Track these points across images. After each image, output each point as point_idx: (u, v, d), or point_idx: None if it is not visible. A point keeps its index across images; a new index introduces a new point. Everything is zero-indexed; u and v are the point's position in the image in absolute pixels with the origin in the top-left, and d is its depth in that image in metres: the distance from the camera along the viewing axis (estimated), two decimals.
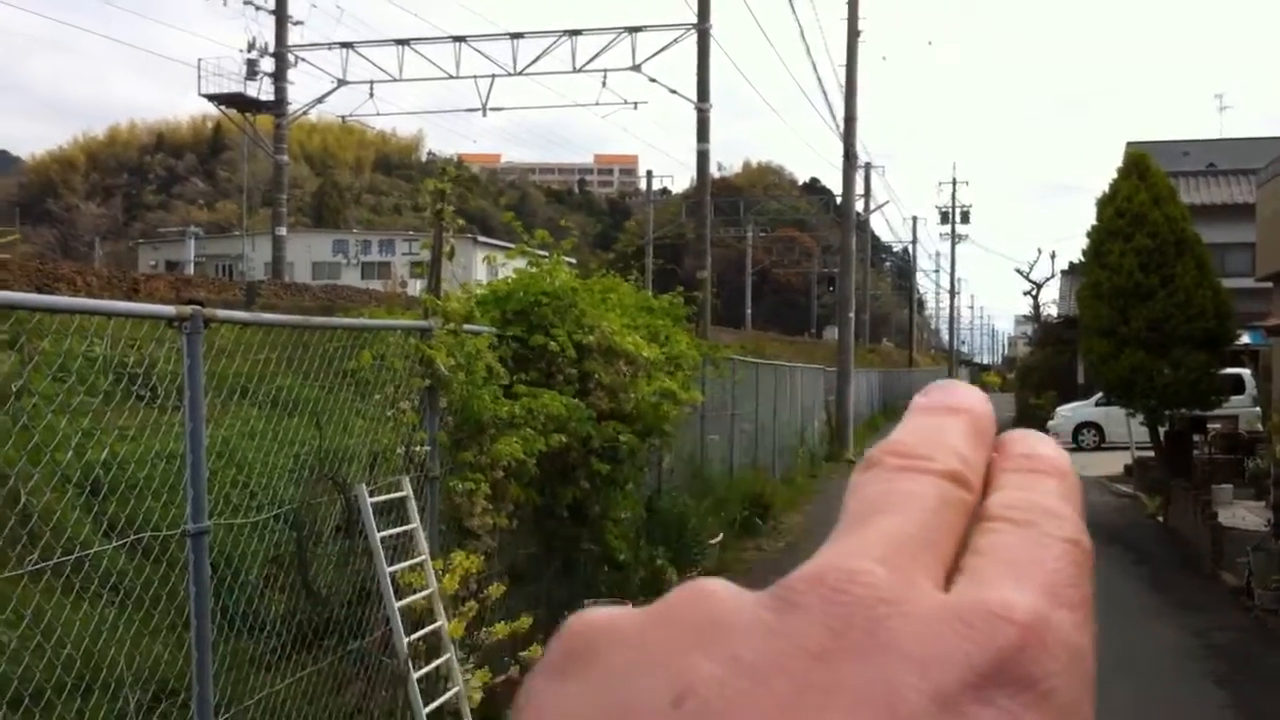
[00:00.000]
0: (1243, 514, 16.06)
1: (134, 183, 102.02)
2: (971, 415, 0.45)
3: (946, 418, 0.45)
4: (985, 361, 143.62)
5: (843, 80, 31.51)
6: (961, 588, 0.39)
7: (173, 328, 4.66)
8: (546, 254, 9.28)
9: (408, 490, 6.36)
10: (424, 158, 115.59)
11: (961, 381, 0.48)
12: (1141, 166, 19.32)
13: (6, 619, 4.73)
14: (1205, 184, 37.96)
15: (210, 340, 5.45)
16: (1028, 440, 0.46)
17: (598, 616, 0.41)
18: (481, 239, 50.60)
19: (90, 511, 6.65)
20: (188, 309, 4.62)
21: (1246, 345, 20.82)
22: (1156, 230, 18.35)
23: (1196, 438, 20.29)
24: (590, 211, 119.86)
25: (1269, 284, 21.49)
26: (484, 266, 9.90)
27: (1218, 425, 21.39)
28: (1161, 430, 19.35)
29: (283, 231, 35.95)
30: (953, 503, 0.42)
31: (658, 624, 0.39)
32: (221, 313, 4.97)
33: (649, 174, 73.05)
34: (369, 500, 5.97)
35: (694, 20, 28.57)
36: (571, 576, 9.42)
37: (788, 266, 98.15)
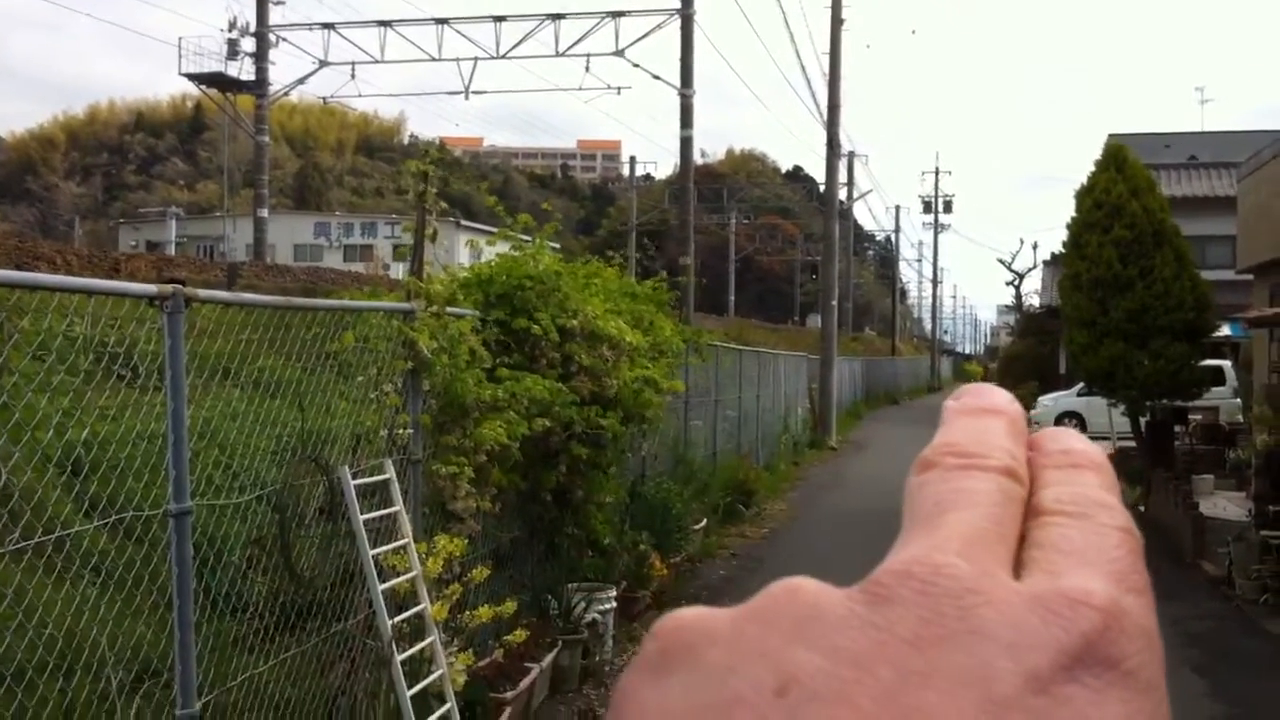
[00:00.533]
0: (1223, 504, 16.16)
1: (114, 162, 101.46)
2: (1008, 416, 0.48)
3: (988, 419, 0.47)
4: (967, 351, 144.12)
5: (826, 68, 31.52)
6: (1036, 578, 0.40)
7: (154, 306, 4.63)
8: (530, 238, 9.26)
9: (390, 473, 6.34)
10: (406, 140, 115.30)
11: (991, 386, 0.51)
12: (1120, 158, 19.36)
13: None
14: (1186, 176, 38.12)
15: (191, 321, 5.42)
16: (1062, 437, 0.48)
17: (691, 615, 0.42)
18: (464, 223, 50.53)
19: (71, 491, 6.61)
20: (169, 288, 4.59)
21: (1227, 337, 20.95)
22: (1135, 222, 18.40)
23: (1178, 428, 20.39)
24: (573, 196, 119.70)
25: (1249, 276, 21.61)
26: (467, 250, 9.87)
27: (1199, 416, 21.50)
28: (1142, 421, 19.44)
29: (264, 213, 35.78)
30: (1013, 497, 0.44)
31: (752, 620, 0.40)
32: (203, 292, 4.94)
33: (632, 159, 72.95)
34: (352, 483, 5.94)
35: (678, 6, 28.53)
36: (555, 560, 9.41)
37: (771, 254, 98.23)
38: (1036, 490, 0.45)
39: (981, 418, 0.47)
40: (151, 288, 4.67)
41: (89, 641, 5.04)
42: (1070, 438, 0.48)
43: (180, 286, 4.72)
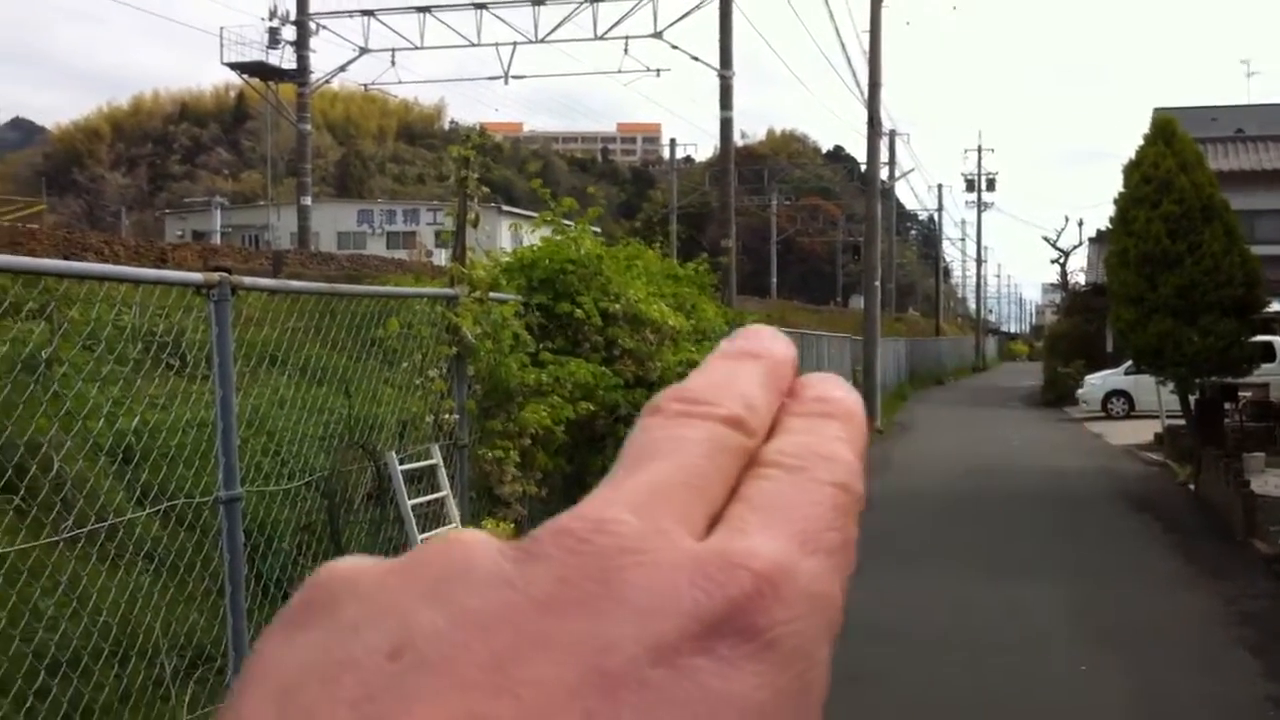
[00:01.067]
0: (1275, 482, 15.97)
1: (159, 152, 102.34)
2: (771, 359, 0.44)
3: (742, 363, 0.44)
4: (1012, 330, 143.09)
5: (866, 46, 31.28)
6: (716, 536, 0.38)
7: (200, 295, 4.66)
8: (571, 222, 9.25)
9: (437, 458, 6.36)
10: (446, 127, 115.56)
11: (767, 327, 0.47)
12: (1168, 132, 19.12)
13: (43, 586, 4.75)
14: (1234, 150, 37.61)
15: (238, 309, 5.45)
16: (822, 383, 0.45)
17: (342, 567, 0.39)
18: (506, 208, 50.59)
19: (123, 479, 6.67)
20: (215, 276, 4.62)
21: (1277, 313, 20.64)
22: (1184, 196, 18.17)
23: (1227, 405, 20.14)
24: (614, 180, 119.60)
25: None
26: (509, 235, 9.90)
27: (1248, 393, 21.24)
28: (1191, 398, 19.22)
29: (308, 201, 36.01)
30: (730, 448, 0.41)
31: (399, 575, 0.38)
32: (248, 280, 4.97)
33: (672, 142, 72.92)
34: (399, 468, 5.97)
35: None
36: None
37: (812, 235, 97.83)
38: (770, 440, 0.42)
39: (736, 361, 0.44)
40: (198, 276, 4.70)
41: (143, 628, 5.09)
42: (831, 385, 0.45)
43: (227, 275, 4.75)
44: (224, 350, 4.62)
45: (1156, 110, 23.38)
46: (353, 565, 0.39)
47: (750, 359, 0.44)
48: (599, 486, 0.39)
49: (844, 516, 0.40)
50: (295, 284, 5.81)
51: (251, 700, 0.36)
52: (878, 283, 32.09)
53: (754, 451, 0.41)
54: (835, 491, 0.40)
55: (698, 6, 30.90)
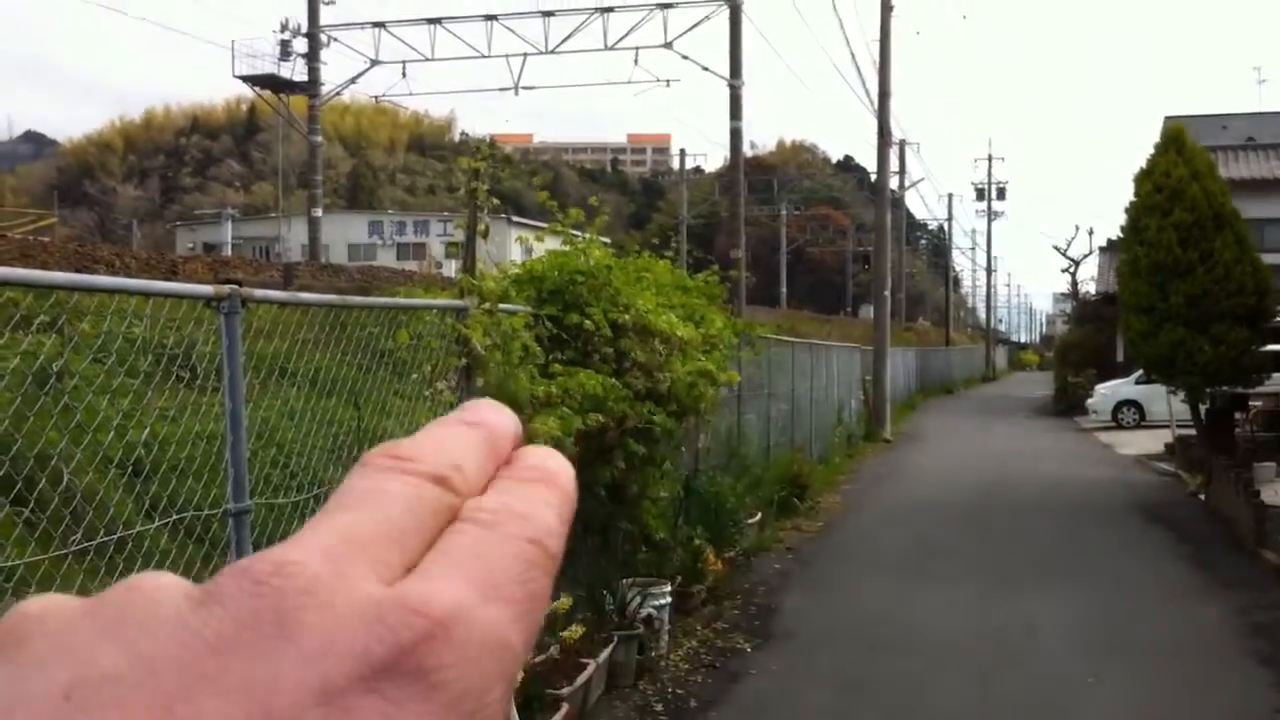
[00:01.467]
0: None
1: (170, 165, 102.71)
2: (488, 429, 0.47)
3: (459, 429, 0.47)
4: (1023, 340, 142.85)
5: (876, 55, 31.31)
6: (401, 582, 0.40)
7: (210, 308, 4.67)
8: (580, 233, 9.26)
9: None
10: (457, 138, 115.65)
11: (491, 402, 0.50)
12: (1179, 141, 19.10)
13: None
14: (1244, 158, 37.55)
15: (249, 321, 5.46)
16: (536, 454, 0.48)
17: (35, 605, 0.40)
18: (515, 219, 50.64)
19: (132, 492, 6.69)
20: (225, 289, 4.63)
21: None
22: (1195, 205, 18.15)
23: (1238, 415, 20.09)
24: (624, 191, 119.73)
25: None
26: (518, 246, 9.95)
27: (1260, 403, 21.18)
28: (1202, 408, 19.17)
29: (318, 213, 36.10)
30: (429, 503, 0.43)
31: (86, 615, 0.39)
32: (259, 292, 4.98)
33: (682, 152, 72.81)
34: None
35: None
36: (609, 555, 9.42)
37: (822, 245, 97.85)
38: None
39: (454, 427, 0.47)
40: (209, 289, 4.71)
41: None
42: (544, 455, 0.48)
43: (237, 287, 4.76)
44: (234, 363, 4.63)
45: (1167, 119, 23.40)
46: (45, 604, 0.40)
47: (469, 427, 0.47)
48: (296, 534, 0.41)
49: (533, 570, 0.42)
50: (306, 296, 5.83)
51: None
52: (887, 292, 32.06)
53: (458, 509, 0.43)
54: (527, 547, 0.42)
55: (707, 18, 30.93)
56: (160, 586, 0.40)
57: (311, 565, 0.39)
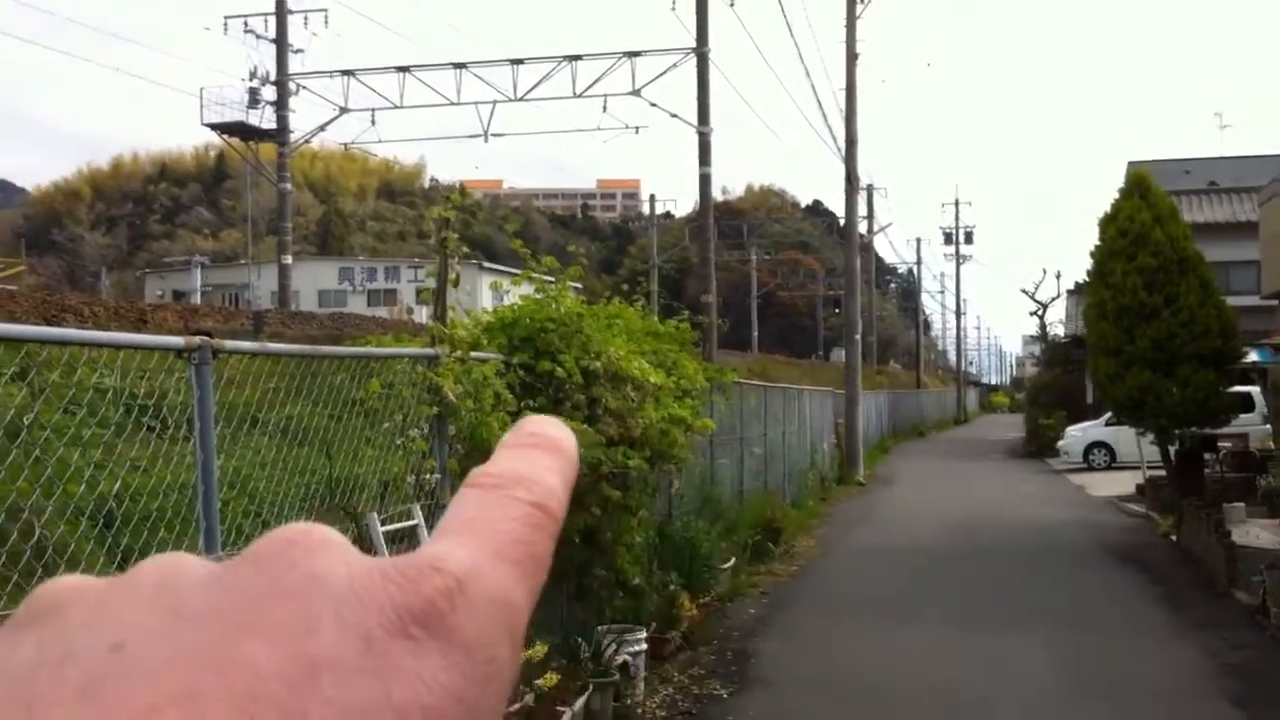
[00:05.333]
0: (1256, 532, 16.03)
1: (139, 212, 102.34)
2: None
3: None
4: (994, 382, 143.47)
5: (843, 103, 31.60)
6: (425, 545, 0.44)
7: (181, 359, 4.66)
8: (553, 279, 9.28)
9: (419, 518, 6.35)
10: (427, 184, 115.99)
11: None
12: (1143, 186, 19.36)
13: None
14: (1207, 202, 38.00)
15: (220, 370, 5.45)
16: (537, 422, 0.51)
17: (69, 579, 0.44)
18: (487, 265, 50.68)
19: (104, 544, 6.63)
20: (196, 340, 4.63)
21: (1255, 363, 20.80)
22: (1159, 249, 18.37)
23: (1207, 456, 20.23)
24: (594, 236, 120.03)
25: (1274, 301, 21.50)
26: (490, 292, 9.93)
27: (1228, 443, 21.35)
28: (1172, 449, 19.31)
29: (288, 260, 36.03)
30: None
31: (121, 586, 0.42)
32: (229, 343, 4.97)
33: (652, 198, 73.07)
34: (380, 529, 5.95)
35: (693, 44, 28.68)
36: (584, 602, 9.39)
37: (793, 289, 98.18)
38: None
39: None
40: (179, 340, 4.71)
41: None
42: (545, 423, 0.50)
43: (208, 338, 4.76)
44: (205, 414, 4.62)
45: (1131, 164, 23.68)
46: (78, 580, 0.44)
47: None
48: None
49: (537, 533, 0.45)
50: (276, 346, 5.82)
51: None
52: (858, 336, 32.22)
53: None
54: (531, 510, 0.45)
55: (675, 65, 31.17)
56: (185, 557, 0.43)
57: (334, 531, 0.43)
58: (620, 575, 9.86)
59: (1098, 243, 19.40)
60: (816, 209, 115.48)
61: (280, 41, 36.05)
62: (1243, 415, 21.17)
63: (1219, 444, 20.83)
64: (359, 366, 6.56)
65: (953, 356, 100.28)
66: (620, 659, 8.66)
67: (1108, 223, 19.27)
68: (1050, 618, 12.58)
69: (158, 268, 68.33)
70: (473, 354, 7.19)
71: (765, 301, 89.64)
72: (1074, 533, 19.71)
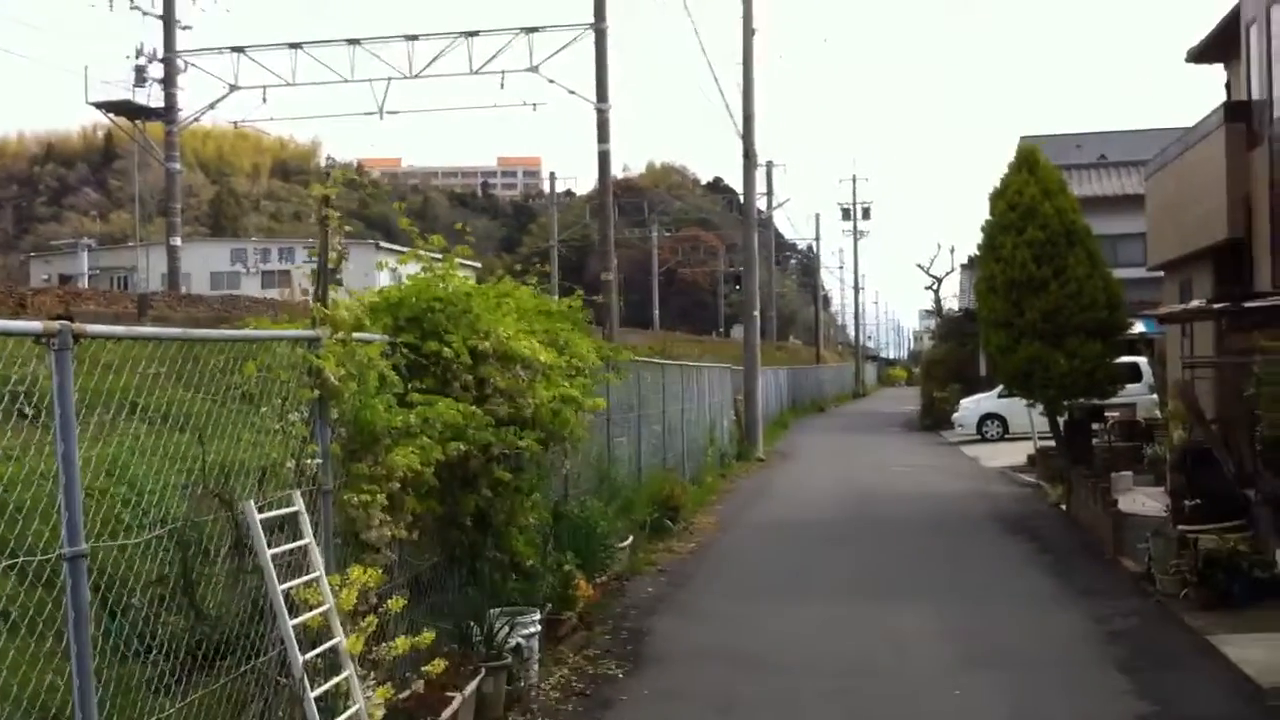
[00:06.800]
0: (1142, 500, 16.35)
1: (24, 194, 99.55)
2: None
3: None
4: (892, 356, 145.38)
5: (740, 79, 31.64)
6: None
7: (40, 344, 4.48)
8: (441, 257, 9.12)
9: (299, 505, 6.20)
10: (323, 163, 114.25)
11: None
12: (1032, 160, 19.65)
13: None
14: (1097, 176, 38.75)
15: (96, 356, 5.25)
16: None
17: None
18: (384, 244, 50.09)
19: None
20: (55, 324, 4.44)
21: (1142, 334, 21.23)
22: (1047, 223, 18.67)
23: (1095, 426, 20.64)
24: (494, 214, 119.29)
25: (1160, 273, 21.94)
26: (386, 274, 9.75)
27: (1116, 414, 21.80)
28: (1061, 420, 19.67)
29: (177, 241, 35.23)
30: None
31: None
32: (91, 327, 4.78)
33: (552, 175, 72.93)
34: (257, 516, 5.80)
35: (591, 20, 28.54)
36: (477, 585, 9.27)
37: (694, 266, 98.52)
38: None
39: None
40: (38, 325, 4.51)
41: None
42: None
43: (68, 323, 4.56)
44: (65, 401, 4.44)
45: (1022, 138, 23.96)
46: None
47: None
48: None
49: None
50: (144, 330, 5.63)
51: None
52: (756, 312, 32.36)
53: None
54: None
55: (574, 39, 31.00)
56: None
57: None
58: (514, 557, 9.76)
59: (988, 217, 19.66)
60: (717, 185, 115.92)
61: (168, 18, 35.17)
62: (1130, 385, 21.60)
63: (1107, 414, 21.25)
64: (235, 350, 6.38)
65: (852, 332, 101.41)
66: (513, 642, 8.57)
67: (997, 197, 19.53)
68: (943, 588, 12.75)
69: (43, 251, 66.56)
70: (356, 335, 7.03)
71: (667, 279, 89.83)
72: (967, 503, 20.03)
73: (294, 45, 34.41)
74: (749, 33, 31.64)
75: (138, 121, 37.95)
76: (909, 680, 9.17)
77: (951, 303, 57.60)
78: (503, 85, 33.50)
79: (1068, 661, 9.58)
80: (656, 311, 78.61)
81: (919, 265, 61.57)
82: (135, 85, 36.13)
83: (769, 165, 63.06)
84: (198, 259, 53.63)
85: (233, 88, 35.13)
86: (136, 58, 36.10)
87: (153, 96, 36.03)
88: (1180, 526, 12.36)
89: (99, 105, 37.12)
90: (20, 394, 6.38)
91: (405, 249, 9.52)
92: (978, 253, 21.07)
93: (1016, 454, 26.65)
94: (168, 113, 35.51)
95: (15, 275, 59.42)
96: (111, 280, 53.36)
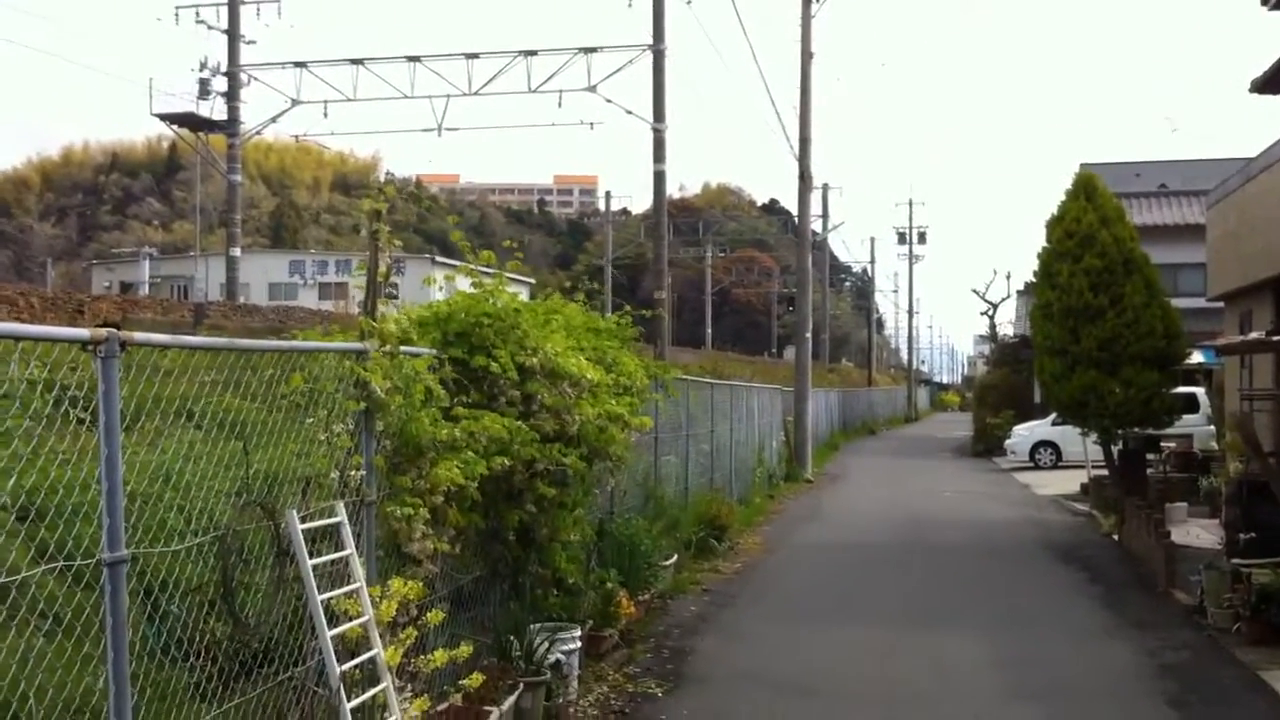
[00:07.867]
0: (1196, 532, 16.14)
1: (89, 203, 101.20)
2: None
3: None
4: (945, 381, 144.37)
5: (797, 102, 31.61)
6: None
7: (86, 351, 4.52)
8: (491, 273, 9.15)
9: (342, 516, 6.22)
10: (382, 178, 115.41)
11: None
12: (1090, 187, 19.46)
13: None
14: (1157, 204, 38.36)
15: (157, 362, 5.30)
16: None
17: None
18: (440, 259, 50.45)
19: (26, 538, 6.46)
20: (102, 332, 4.49)
21: (1200, 364, 20.97)
22: (1105, 251, 18.47)
23: (1151, 456, 20.37)
24: (550, 231, 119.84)
25: (1220, 304, 21.67)
26: (439, 288, 9.81)
27: (1172, 444, 21.51)
28: (1115, 449, 19.42)
29: (237, 252, 35.67)
30: None
31: None
32: (139, 335, 4.81)
33: (607, 194, 73.14)
34: (299, 527, 5.82)
35: (649, 41, 28.64)
36: (519, 600, 9.27)
37: (748, 286, 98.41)
38: None
39: None
40: (85, 332, 4.56)
41: (34, 690, 4.91)
42: None
43: (115, 331, 4.61)
44: (110, 408, 4.49)
45: (1082, 165, 23.76)
46: None
47: None
48: None
49: None
50: (191, 339, 5.67)
51: None
52: (809, 333, 32.25)
53: None
54: None
55: (631, 62, 31.15)
56: None
57: None
58: (556, 573, 9.75)
59: (1045, 244, 19.49)
60: (773, 207, 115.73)
61: (232, 32, 35.71)
62: (1187, 416, 21.31)
63: (1163, 444, 20.97)
64: (285, 360, 6.42)
65: (905, 355, 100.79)
66: (553, 658, 8.55)
67: (1055, 224, 19.35)
68: (991, 616, 12.59)
69: (106, 259, 67.59)
70: (403, 349, 7.06)
71: (720, 299, 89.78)
72: (1018, 530, 19.80)
73: (355, 61, 34.81)
74: (806, 56, 31.60)
75: (201, 133, 38.46)
76: (955, 711, 9.05)
77: (1006, 329, 57.12)
78: (560, 104, 33.79)
79: (1118, 694, 9.43)
80: (709, 330, 78.57)
81: (974, 290, 61.22)
82: (199, 98, 36.66)
83: (824, 188, 62.93)
84: (256, 270, 54.21)
85: (295, 102, 35.56)
86: (200, 71, 36.65)
87: (216, 109, 36.57)
88: (1234, 560, 12.16)
89: (163, 117, 37.65)
90: (79, 399, 6.46)
91: (460, 263, 9.55)
92: (1034, 279, 20.86)
93: (1069, 482, 26.34)
94: (230, 125, 35.98)
95: (78, 282, 60.42)
96: (171, 289, 54.07)
